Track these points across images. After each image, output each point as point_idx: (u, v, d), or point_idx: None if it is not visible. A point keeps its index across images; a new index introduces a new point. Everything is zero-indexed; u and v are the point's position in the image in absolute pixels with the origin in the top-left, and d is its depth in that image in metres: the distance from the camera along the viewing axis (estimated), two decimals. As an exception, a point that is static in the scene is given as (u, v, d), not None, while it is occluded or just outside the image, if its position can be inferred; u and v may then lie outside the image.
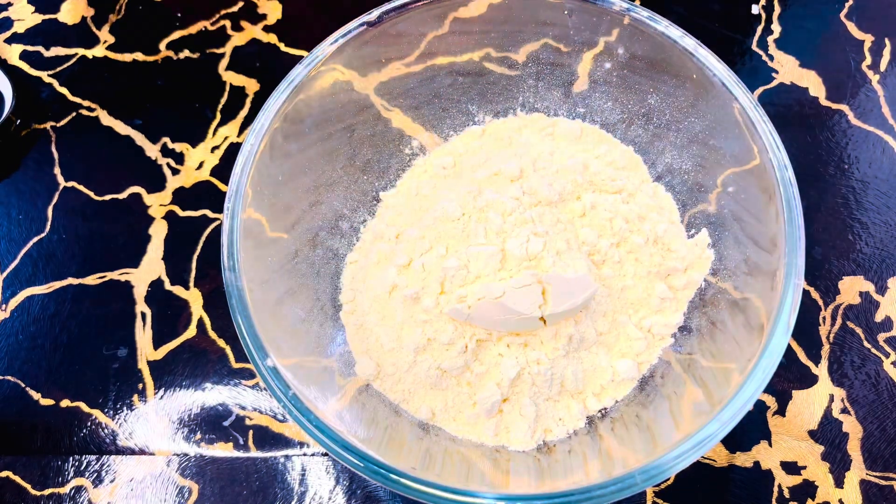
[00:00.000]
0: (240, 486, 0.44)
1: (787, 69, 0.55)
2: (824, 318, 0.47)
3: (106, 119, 0.54)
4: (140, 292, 0.49)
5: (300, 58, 0.46)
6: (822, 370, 0.45)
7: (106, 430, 0.45)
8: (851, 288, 0.47)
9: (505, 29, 0.45)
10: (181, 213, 0.51)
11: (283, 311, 0.39)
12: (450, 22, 0.43)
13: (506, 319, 0.38)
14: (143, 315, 0.48)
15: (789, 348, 0.46)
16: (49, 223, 0.51)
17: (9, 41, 0.57)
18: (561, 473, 0.36)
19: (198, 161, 0.52)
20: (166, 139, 0.53)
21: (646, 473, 0.31)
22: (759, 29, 0.57)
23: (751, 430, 0.44)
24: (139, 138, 0.54)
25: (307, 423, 0.33)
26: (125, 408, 0.46)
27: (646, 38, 0.41)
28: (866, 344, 0.46)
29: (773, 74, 0.55)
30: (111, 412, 0.46)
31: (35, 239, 0.51)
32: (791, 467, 0.43)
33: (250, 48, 0.56)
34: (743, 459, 0.43)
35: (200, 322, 0.48)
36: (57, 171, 0.53)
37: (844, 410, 0.44)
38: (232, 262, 0.36)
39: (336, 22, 0.55)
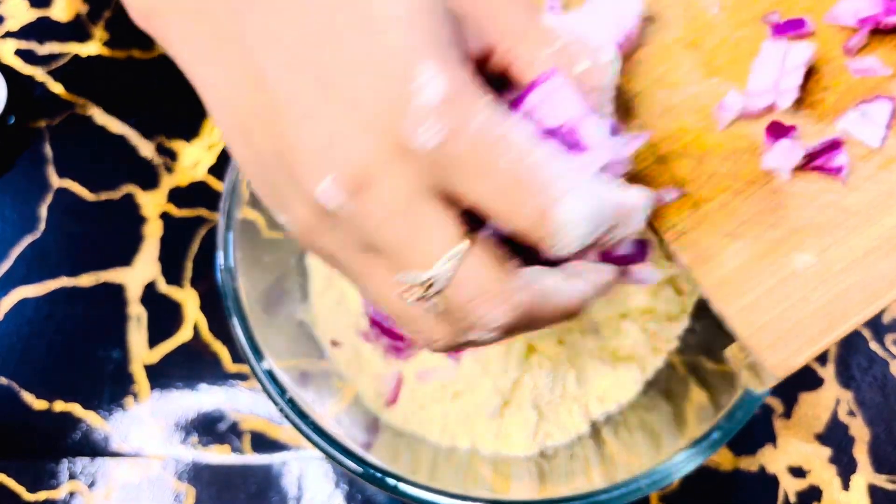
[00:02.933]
0: (236, 491, 0.43)
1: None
2: (830, 318, 0.46)
3: (100, 117, 0.54)
4: (135, 293, 0.48)
5: (297, 54, 0.45)
6: (828, 372, 0.45)
7: (100, 434, 0.45)
8: (857, 288, 0.47)
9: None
10: (176, 213, 0.50)
11: (279, 313, 0.39)
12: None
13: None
14: (138, 316, 0.48)
15: (795, 350, 0.45)
16: (43, 223, 0.51)
17: (1, 38, 0.57)
18: (563, 479, 0.35)
19: (193, 160, 0.52)
20: (161, 138, 0.53)
21: (650, 478, 0.31)
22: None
23: (756, 433, 0.43)
24: (134, 137, 0.53)
25: (304, 426, 0.33)
26: (120, 410, 0.45)
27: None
28: (873, 346, 0.45)
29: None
30: (106, 415, 0.45)
31: (28, 239, 0.50)
32: (797, 471, 0.43)
33: (247, 45, 0.56)
34: (748, 463, 0.43)
35: (196, 324, 0.47)
36: (50, 170, 0.52)
37: (851, 413, 0.44)
38: (228, 262, 0.36)
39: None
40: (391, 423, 0.38)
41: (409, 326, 0.21)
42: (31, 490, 0.44)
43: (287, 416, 0.33)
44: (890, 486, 0.42)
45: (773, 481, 0.42)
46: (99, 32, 0.57)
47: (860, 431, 0.43)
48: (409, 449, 0.37)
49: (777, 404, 0.44)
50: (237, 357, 0.46)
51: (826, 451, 0.43)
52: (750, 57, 0.26)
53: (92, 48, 0.56)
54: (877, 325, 0.46)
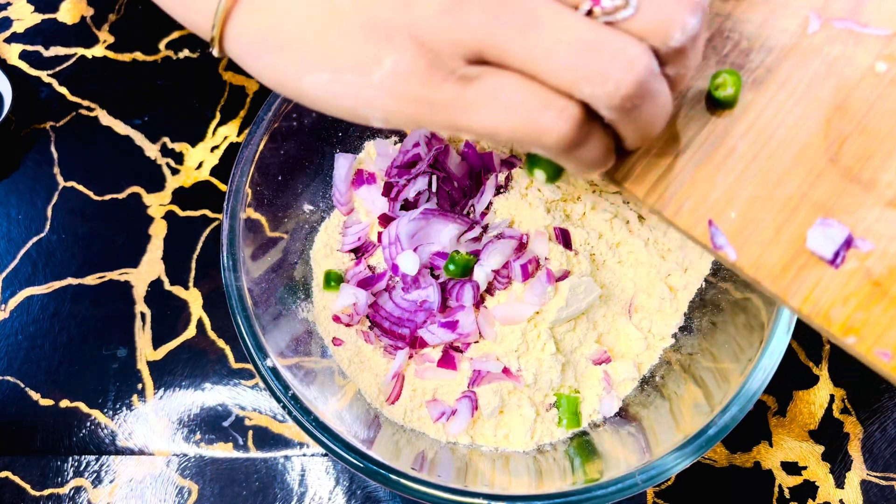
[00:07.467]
0: (239, 487, 0.44)
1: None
2: (825, 318, 0.47)
3: (105, 119, 0.54)
4: (139, 292, 0.49)
5: (300, 57, 0.46)
6: (822, 370, 0.45)
7: (105, 431, 0.45)
8: (852, 288, 0.47)
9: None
10: (181, 213, 0.51)
11: (283, 312, 0.39)
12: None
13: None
14: (143, 315, 0.48)
15: (790, 348, 0.46)
16: (48, 223, 0.51)
17: (8, 41, 0.57)
18: (561, 474, 0.36)
19: (197, 161, 0.52)
20: (166, 139, 0.53)
21: (646, 474, 0.31)
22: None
23: (751, 430, 0.44)
24: (139, 138, 0.53)
25: (307, 423, 0.33)
26: (125, 408, 0.46)
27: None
28: (867, 344, 0.46)
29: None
30: (111, 412, 0.46)
31: (34, 239, 0.51)
32: (791, 467, 0.43)
33: (250, 48, 0.56)
34: (743, 460, 0.43)
35: (200, 322, 0.48)
36: (56, 170, 0.53)
37: (845, 411, 0.44)
38: (231, 262, 0.36)
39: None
40: (392, 420, 0.39)
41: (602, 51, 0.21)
42: (37, 487, 0.44)
43: (290, 413, 0.33)
44: (883, 483, 0.43)
45: (767, 478, 0.43)
46: (104, 35, 0.57)
47: (854, 429, 0.44)
48: (410, 445, 0.37)
49: (771, 402, 0.44)
50: (240, 355, 0.47)
51: (820, 449, 0.43)
52: None
53: (97, 51, 0.57)
54: (871, 324, 0.46)
